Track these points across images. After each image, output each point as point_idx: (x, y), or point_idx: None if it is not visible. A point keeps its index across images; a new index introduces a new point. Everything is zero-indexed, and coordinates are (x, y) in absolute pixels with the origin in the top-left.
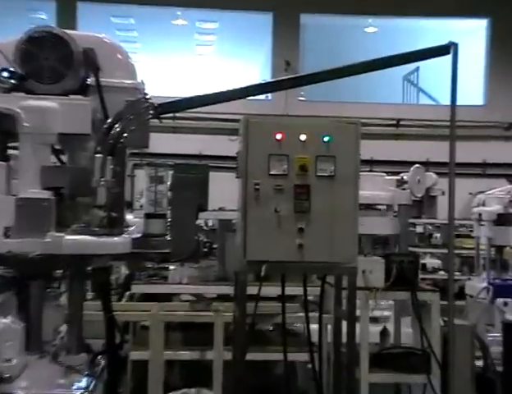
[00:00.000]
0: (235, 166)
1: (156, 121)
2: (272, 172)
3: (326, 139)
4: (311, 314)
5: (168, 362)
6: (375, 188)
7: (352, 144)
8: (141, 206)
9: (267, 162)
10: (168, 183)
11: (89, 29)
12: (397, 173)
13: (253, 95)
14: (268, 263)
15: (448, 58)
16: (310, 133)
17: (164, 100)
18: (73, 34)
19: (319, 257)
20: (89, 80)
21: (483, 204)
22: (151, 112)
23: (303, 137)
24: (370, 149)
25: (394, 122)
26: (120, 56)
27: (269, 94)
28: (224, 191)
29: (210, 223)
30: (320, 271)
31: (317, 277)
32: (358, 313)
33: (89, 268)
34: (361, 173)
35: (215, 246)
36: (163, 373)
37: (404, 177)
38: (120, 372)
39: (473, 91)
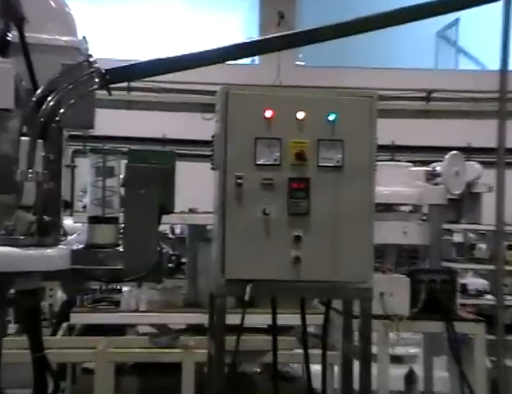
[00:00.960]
0: (210, 153)
1: (104, 92)
2: (259, 162)
3: (331, 117)
4: (311, 351)
5: None
6: (397, 183)
7: (366, 123)
8: (84, 207)
9: (252, 149)
10: (121, 176)
11: None
12: (427, 163)
13: (235, 59)
14: (254, 282)
15: (498, 7)
16: (310, 109)
17: (115, 64)
18: None
19: (322, 275)
20: (10, 35)
21: None
22: (97, 80)
23: (300, 115)
24: (391, 131)
25: (423, 95)
26: (53, 3)
27: (256, 58)
28: (196, 187)
29: (177, 230)
30: (323, 293)
31: (320, 302)
32: (374, 350)
33: (12, 292)
34: (378, 163)
35: (184, 261)
36: None
37: (437, 168)
38: None
39: None
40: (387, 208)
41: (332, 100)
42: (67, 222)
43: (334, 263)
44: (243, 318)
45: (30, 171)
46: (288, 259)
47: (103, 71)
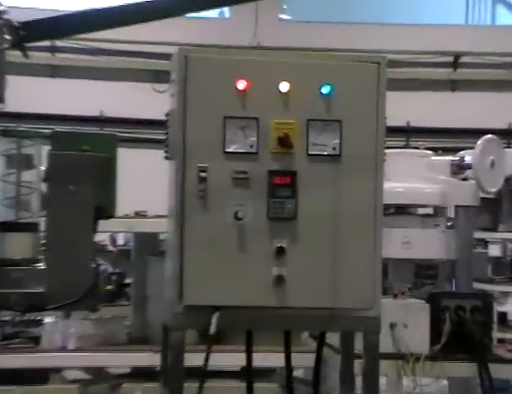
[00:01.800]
0: (163, 137)
1: (18, 54)
2: (229, 150)
3: (325, 90)
4: None
5: None
6: (413, 177)
7: (372, 98)
8: None
9: (220, 132)
10: (42, 168)
11: None
12: (454, 151)
13: (197, 10)
14: (223, 310)
15: None
16: (297, 79)
17: (36, 16)
18: None
19: (313, 299)
20: None
21: None
22: (7, 37)
23: (284, 87)
24: (406, 108)
25: (449, 59)
26: None
27: (226, 9)
28: (144, 183)
29: (120, 241)
30: (315, 324)
31: (311, 336)
32: None
33: None
34: (388, 151)
35: (128, 281)
36: None
37: (467, 158)
38: None
39: None
40: (400, 212)
41: (327, 67)
42: None
43: (329, 283)
44: (207, 359)
45: None
46: (268, 279)
47: (16, 25)
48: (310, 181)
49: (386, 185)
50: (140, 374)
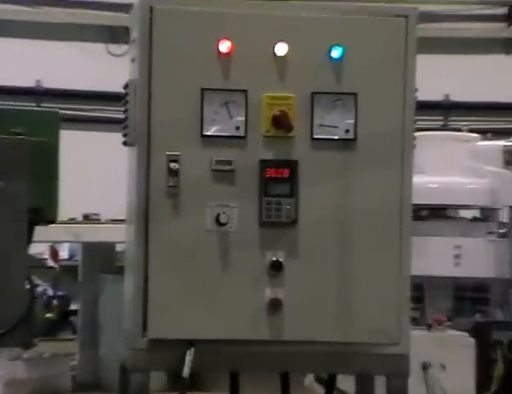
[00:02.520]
0: (121, 116)
1: None
2: (208, 132)
3: (335, 53)
4: None
5: None
6: (454, 168)
7: (397, 64)
8: None
9: (197, 109)
10: None
11: None
12: (507, 133)
13: None
14: (200, 345)
15: None
16: (299, 39)
17: None
18: None
19: (319, 331)
20: None
21: None
22: None
23: (281, 49)
24: (444, 78)
25: (502, 11)
26: None
27: None
28: (96, 177)
29: (64, 253)
30: (322, 364)
31: (317, 380)
32: None
33: None
34: (420, 134)
35: (74, 308)
36: None
37: None
38: None
39: None
40: (437, 215)
41: (337, 23)
42: None
43: (340, 310)
44: None
45: None
46: (259, 304)
47: None
48: (315, 175)
49: (417, 179)
50: None
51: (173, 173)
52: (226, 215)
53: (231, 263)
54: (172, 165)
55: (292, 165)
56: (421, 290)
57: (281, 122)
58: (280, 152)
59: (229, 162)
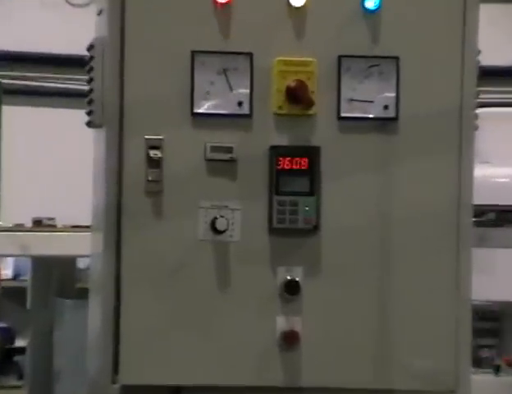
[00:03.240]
0: (84, 88)
1: None
2: (201, 110)
3: (370, 2)
4: None
5: None
6: None
7: (453, 17)
8: None
9: (185, 78)
10: None
11: None
12: None
13: None
14: (188, 393)
15: None
16: None
17: None
18: None
19: (348, 375)
20: None
21: None
22: None
23: None
24: None
25: None
26: None
27: None
28: (50, 169)
29: (7, 272)
30: None
31: None
32: None
33: None
34: (484, 110)
35: (20, 345)
36: None
37: None
38: None
39: None
40: (505, 219)
41: None
42: None
43: (378, 347)
44: None
45: None
46: (269, 340)
47: None
48: (343, 166)
49: (480, 171)
50: None
51: (154, 164)
52: (225, 220)
53: (232, 283)
54: (153, 153)
55: (313, 153)
56: (493, 320)
57: (297, 96)
58: (296, 136)
59: (229, 150)
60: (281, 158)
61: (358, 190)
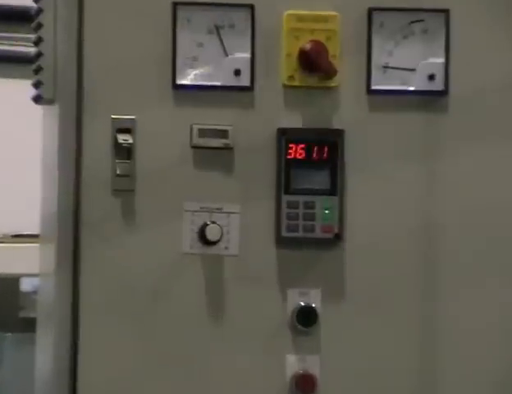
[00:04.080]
0: (29, 52)
1: None
2: (185, 81)
3: None
4: None
5: None
6: None
7: None
8: None
9: (165, 39)
10: None
11: None
12: None
13: None
14: None
15: None
16: None
17: None
18: None
19: None
20: None
21: None
22: None
23: None
24: None
25: None
26: None
27: None
28: None
29: None
30: None
31: None
32: None
33: None
34: None
35: None
36: None
37: None
38: None
39: None
40: None
41: None
42: None
43: None
44: None
45: None
46: (278, 385)
47: None
48: (375, 155)
49: None
50: None
51: (124, 153)
52: (219, 227)
53: (227, 312)
54: (122, 138)
55: (334, 138)
56: None
57: (314, 62)
58: (312, 115)
59: (223, 134)
60: (292, 145)
61: (394, 187)
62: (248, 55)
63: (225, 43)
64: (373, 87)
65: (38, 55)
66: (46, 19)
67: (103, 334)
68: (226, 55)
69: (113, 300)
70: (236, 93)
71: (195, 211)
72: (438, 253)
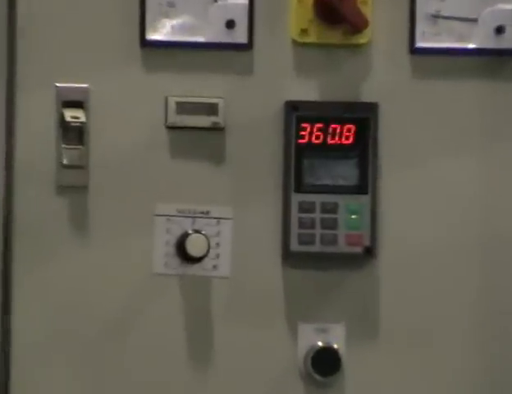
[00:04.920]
0: None
1: None
2: (158, 36)
3: None
4: None
5: None
6: None
7: None
8: None
9: None
10: None
11: None
12: None
13: None
14: None
15: None
16: None
17: None
18: None
19: None
20: None
21: None
22: None
23: None
24: None
25: None
26: None
27: None
28: None
29: None
30: None
31: None
32: None
33: None
34: None
35: None
36: None
37: None
38: None
39: None
40: None
41: None
42: None
43: None
44: None
45: None
46: None
47: None
48: (420, 139)
49: None
50: None
51: (73, 136)
52: (204, 238)
53: (216, 355)
54: (71, 115)
55: (365, 116)
56: None
57: (337, 9)
58: (334, 84)
59: (210, 109)
60: (305, 125)
61: (446, 184)
62: (244, 1)
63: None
64: (418, 44)
65: None
66: None
67: (42, 377)
68: (215, 0)
69: (56, 334)
70: (228, 54)
71: (171, 215)
72: (505, 272)
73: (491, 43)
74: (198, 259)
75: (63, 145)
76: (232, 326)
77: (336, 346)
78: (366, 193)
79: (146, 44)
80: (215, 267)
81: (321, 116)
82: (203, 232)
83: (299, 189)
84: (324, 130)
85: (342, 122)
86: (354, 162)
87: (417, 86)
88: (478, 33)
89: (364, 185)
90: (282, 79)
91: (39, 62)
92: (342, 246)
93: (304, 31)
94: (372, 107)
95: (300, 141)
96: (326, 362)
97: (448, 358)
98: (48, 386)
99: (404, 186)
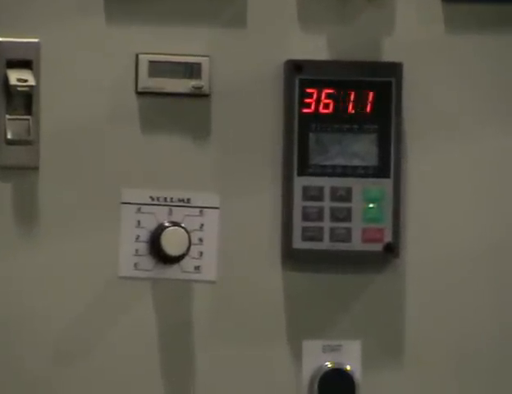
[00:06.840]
0: None
1: None
2: None
3: None
4: None
5: None
6: None
7: None
8: None
9: None
10: None
11: None
12: None
13: None
14: None
15: None
16: None
17: None
18: None
19: None
20: None
21: None
22: None
23: None
24: None
25: None
26: None
27: None
28: None
29: None
30: None
31: None
32: None
33: None
34: None
35: None
36: None
37: None
38: None
39: None
40: None
41: None
42: None
43: None
44: None
45: None
46: None
47: None
48: (454, 109)
49: None
50: None
51: (20, 103)
52: (184, 232)
53: (201, 376)
54: (17, 78)
55: (386, 78)
56: None
57: None
58: (348, 39)
59: (192, 70)
60: (312, 91)
61: (488, 163)
62: None
63: None
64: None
65: None
66: None
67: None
68: None
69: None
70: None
71: (143, 204)
72: None
73: None
74: (177, 259)
75: (7, 116)
76: (219, 344)
77: (348, 368)
78: (388, 176)
79: None
80: (197, 268)
81: (331, 80)
82: (182, 225)
83: (304, 171)
84: (335, 97)
85: (358, 87)
86: (372, 138)
87: (450, 42)
88: None
89: (385, 166)
90: (283, 32)
91: None
92: (357, 243)
93: None
94: (395, 69)
95: (305, 111)
96: (336, 386)
97: (485, 378)
98: None
99: (435, 168)
